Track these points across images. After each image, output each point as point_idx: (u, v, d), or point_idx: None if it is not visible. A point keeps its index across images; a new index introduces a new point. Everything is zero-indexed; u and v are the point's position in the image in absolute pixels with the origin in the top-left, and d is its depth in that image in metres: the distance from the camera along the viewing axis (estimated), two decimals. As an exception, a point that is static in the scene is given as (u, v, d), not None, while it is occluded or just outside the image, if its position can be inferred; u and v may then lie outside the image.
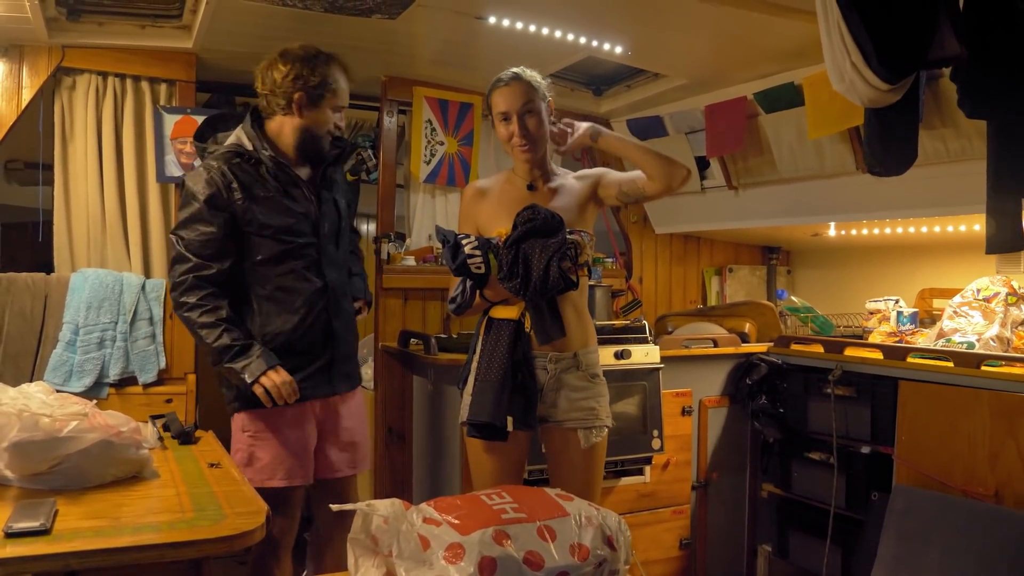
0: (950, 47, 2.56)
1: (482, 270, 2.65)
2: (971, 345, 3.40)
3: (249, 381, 2.78)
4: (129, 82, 3.69)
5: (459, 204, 4.50)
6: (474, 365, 2.82)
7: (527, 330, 2.74)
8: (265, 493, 2.76)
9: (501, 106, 2.85)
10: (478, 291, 2.74)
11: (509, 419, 2.68)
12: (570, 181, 2.95)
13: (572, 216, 2.82)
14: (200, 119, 3.69)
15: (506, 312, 2.76)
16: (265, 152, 2.91)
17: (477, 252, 2.64)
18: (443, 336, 3.87)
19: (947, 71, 3.01)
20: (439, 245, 4.39)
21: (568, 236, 2.64)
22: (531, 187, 2.91)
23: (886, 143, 3.10)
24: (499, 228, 2.75)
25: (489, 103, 2.91)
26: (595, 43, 3.68)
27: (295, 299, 2.95)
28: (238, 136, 2.95)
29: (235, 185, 2.85)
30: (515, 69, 2.86)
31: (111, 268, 3.63)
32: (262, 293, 2.92)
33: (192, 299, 2.82)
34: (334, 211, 3.10)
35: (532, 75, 2.86)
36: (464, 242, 2.65)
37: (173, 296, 2.87)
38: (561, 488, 2.48)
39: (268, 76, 2.92)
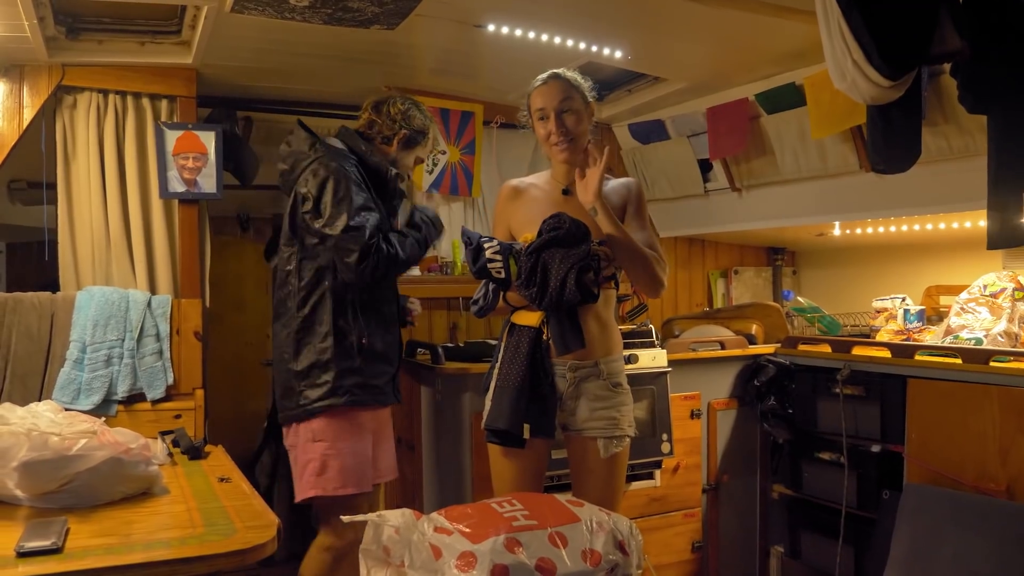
0: (951, 42, 2.56)
1: (502, 275, 2.64)
2: (979, 341, 3.39)
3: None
4: (130, 99, 3.69)
5: (463, 212, 4.56)
6: (496, 370, 2.81)
7: (547, 338, 2.72)
8: (335, 502, 2.92)
9: (539, 103, 2.80)
10: (502, 295, 2.75)
11: (526, 426, 2.67)
12: (609, 189, 2.87)
13: None
14: (201, 134, 3.70)
15: (527, 319, 2.75)
16: (393, 170, 3.18)
17: (498, 257, 2.63)
18: (450, 345, 3.87)
19: (948, 67, 3.01)
20: (444, 255, 4.41)
21: (597, 247, 2.64)
22: (566, 191, 2.86)
23: (889, 141, 3.09)
24: (527, 234, 2.74)
25: (528, 105, 2.86)
26: (595, 48, 3.68)
27: (389, 309, 3.20)
28: (344, 147, 3.14)
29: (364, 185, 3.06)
30: (555, 70, 2.84)
31: (116, 285, 3.62)
32: (363, 299, 3.07)
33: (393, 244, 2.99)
34: None
35: (572, 75, 2.83)
36: (486, 245, 2.64)
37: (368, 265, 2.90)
38: (581, 496, 2.48)
39: (384, 107, 3.20)
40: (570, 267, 2.52)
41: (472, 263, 2.66)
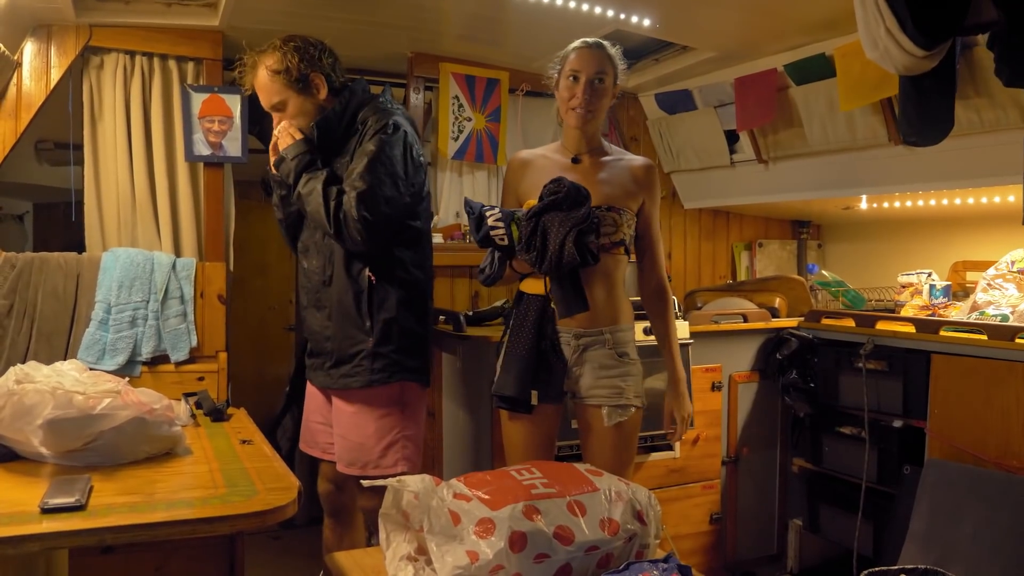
0: (987, 13, 2.51)
1: (505, 242, 2.65)
2: (1005, 318, 3.36)
3: None
4: (157, 61, 3.69)
5: (487, 180, 4.55)
6: (506, 338, 2.82)
7: (553, 305, 2.73)
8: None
9: (575, 65, 2.76)
10: (508, 263, 2.75)
11: (534, 393, 2.71)
12: (625, 161, 2.88)
13: (614, 192, 2.78)
14: (227, 97, 3.70)
15: (534, 286, 2.75)
16: None
17: (500, 224, 2.64)
18: (470, 313, 3.87)
19: (982, 40, 2.96)
20: (467, 222, 4.40)
21: (606, 212, 2.67)
22: (575, 160, 2.85)
23: (922, 112, 3.05)
24: (531, 200, 2.73)
25: (561, 62, 2.82)
26: (623, 16, 3.64)
27: None
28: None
29: None
30: (600, 39, 2.82)
31: (142, 247, 3.64)
32: None
33: None
34: None
35: (614, 51, 2.82)
36: (488, 213, 2.66)
37: None
38: (590, 464, 2.49)
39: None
40: (568, 230, 2.53)
41: (475, 231, 2.68)
